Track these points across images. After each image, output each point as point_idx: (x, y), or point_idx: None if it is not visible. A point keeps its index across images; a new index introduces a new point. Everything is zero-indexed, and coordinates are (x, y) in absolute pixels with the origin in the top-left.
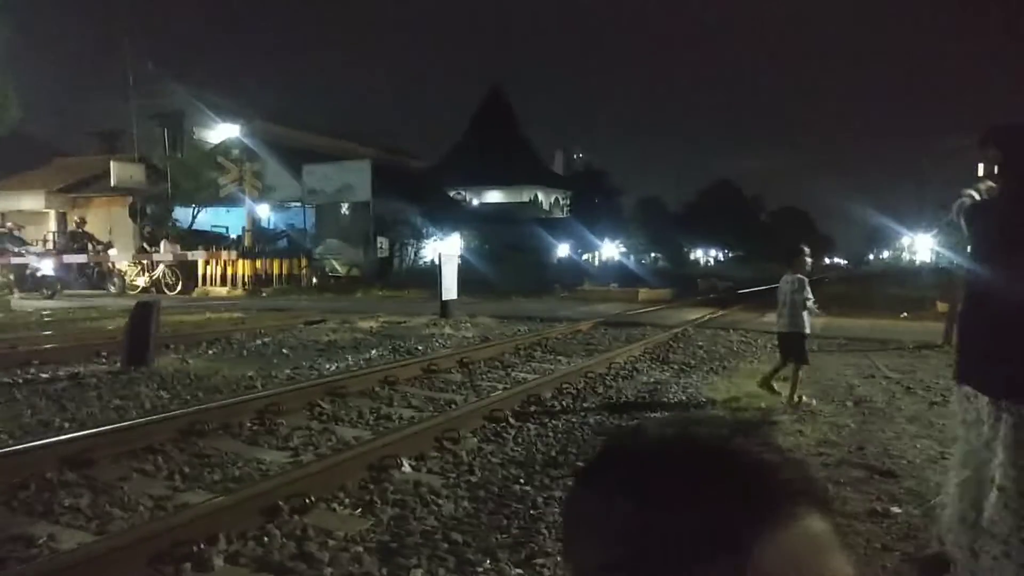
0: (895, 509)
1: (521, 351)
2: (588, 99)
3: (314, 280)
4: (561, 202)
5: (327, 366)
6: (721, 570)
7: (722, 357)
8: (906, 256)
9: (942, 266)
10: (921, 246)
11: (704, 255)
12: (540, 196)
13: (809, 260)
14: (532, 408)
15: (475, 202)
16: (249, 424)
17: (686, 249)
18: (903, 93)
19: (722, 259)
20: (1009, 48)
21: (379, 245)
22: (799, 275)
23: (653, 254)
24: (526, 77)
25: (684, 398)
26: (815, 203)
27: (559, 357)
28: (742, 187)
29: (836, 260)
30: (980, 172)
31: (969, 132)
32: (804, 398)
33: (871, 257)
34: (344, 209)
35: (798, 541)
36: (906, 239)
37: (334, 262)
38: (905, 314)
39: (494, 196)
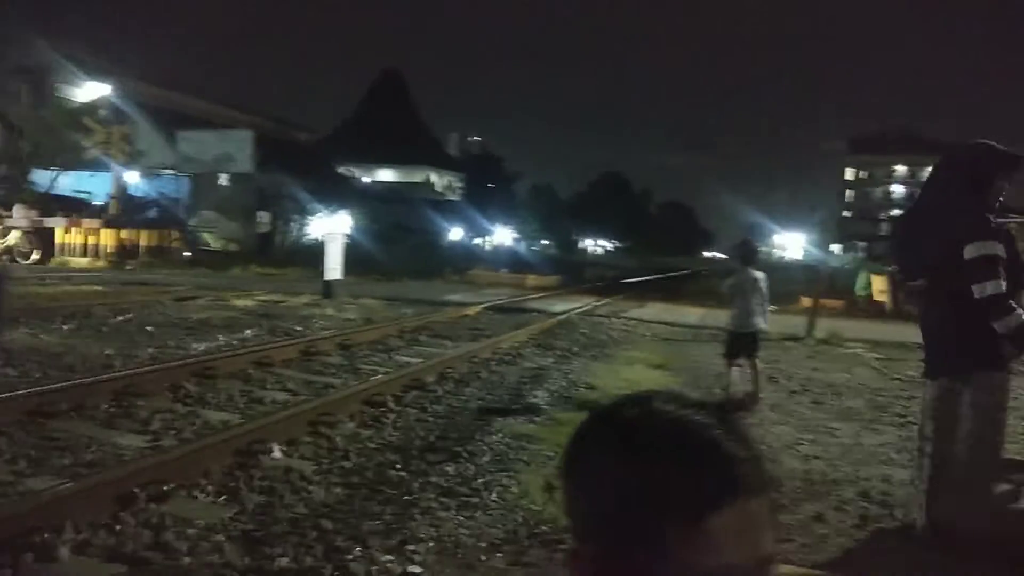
0: None
1: (406, 334)
2: (485, 83)
3: (187, 254)
4: (454, 185)
5: (195, 346)
6: (680, 527)
7: (603, 344)
8: (777, 253)
9: (809, 263)
10: (792, 244)
11: (593, 244)
12: (433, 177)
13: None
14: (414, 393)
15: (365, 180)
16: (105, 406)
17: (576, 238)
18: (783, 98)
19: (610, 249)
20: (879, 59)
21: (260, 220)
22: (758, 272)
23: (544, 241)
24: (423, 57)
25: (565, 384)
26: (699, 198)
27: (444, 341)
28: (632, 180)
29: (715, 254)
30: (847, 176)
31: (838, 138)
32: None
33: None
34: (223, 180)
35: (742, 513)
36: (778, 236)
37: (209, 236)
38: (774, 307)
39: (386, 175)
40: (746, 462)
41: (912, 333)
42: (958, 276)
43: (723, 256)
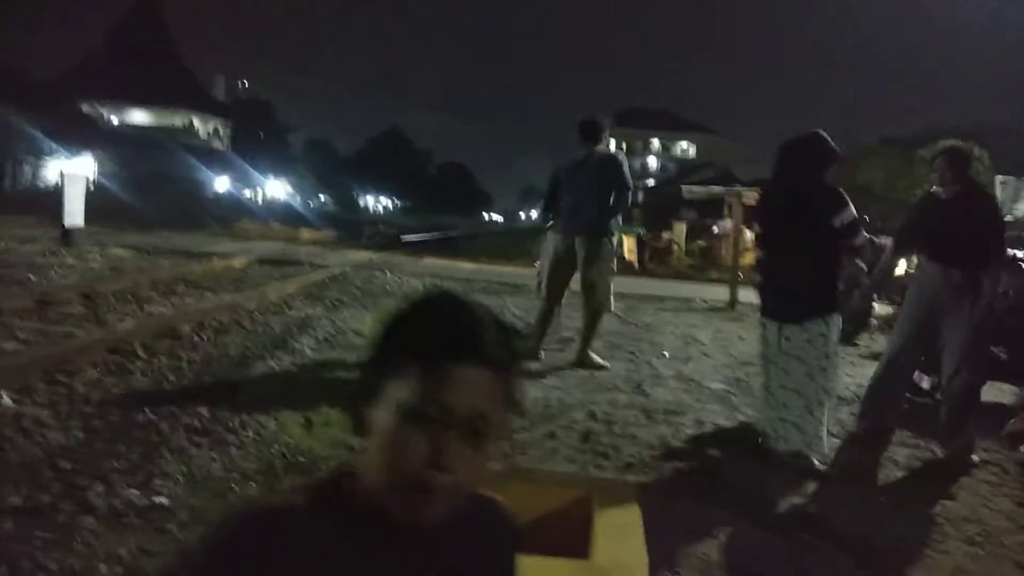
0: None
1: (160, 285)
2: (258, 23)
3: None
4: (221, 132)
5: None
6: (424, 365)
7: (376, 295)
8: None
9: None
10: None
11: (375, 202)
12: (196, 123)
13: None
14: (167, 341)
15: (116, 121)
16: None
17: (356, 194)
18: (558, 61)
19: (391, 207)
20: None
21: None
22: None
23: (322, 196)
24: None
25: (332, 331)
26: (477, 160)
27: (205, 292)
28: (413, 138)
29: (494, 216)
30: (611, 147)
31: (608, 112)
32: None
33: (523, 215)
34: None
35: (469, 370)
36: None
37: None
38: (538, 264)
39: (140, 117)
40: (482, 339)
41: (651, 286)
42: (826, 239)
43: (500, 219)
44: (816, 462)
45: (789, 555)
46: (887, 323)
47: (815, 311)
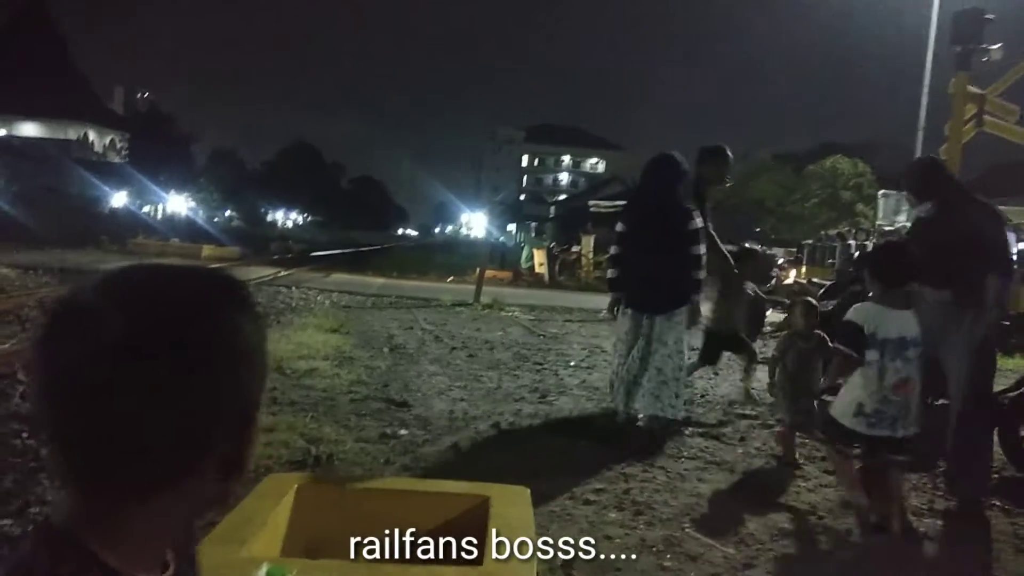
0: (402, 432)
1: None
2: (161, 31)
3: None
4: (119, 145)
5: None
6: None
7: (280, 312)
8: (464, 230)
9: (491, 240)
10: (477, 223)
11: (284, 217)
12: (92, 136)
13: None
14: None
15: (3, 132)
16: None
17: (264, 210)
18: (466, 81)
19: (302, 222)
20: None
21: None
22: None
23: (228, 212)
24: None
25: None
26: (391, 175)
27: None
28: (323, 151)
29: (408, 231)
30: (523, 163)
31: (516, 127)
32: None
33: (437, 230)
34: None
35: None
36: (465, 215)
37: None
38: (451, 278)
39: (31, 130)
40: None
41: (560, 298)
42: (685, 242)
43: (415, 234)
44: (670, 418)
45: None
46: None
47: (676, 302)
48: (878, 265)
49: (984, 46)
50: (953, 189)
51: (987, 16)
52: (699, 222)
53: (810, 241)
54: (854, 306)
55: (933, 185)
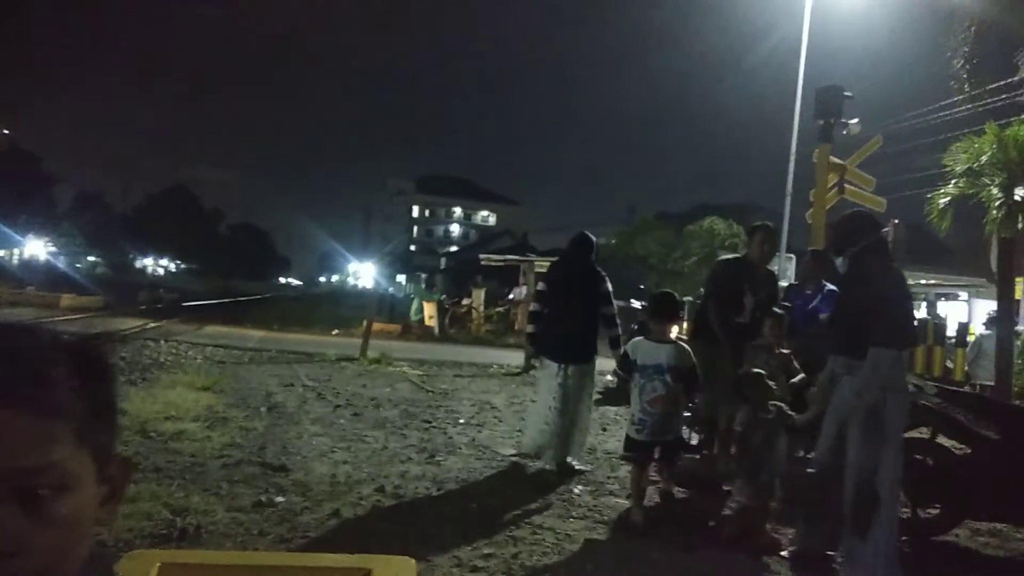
0: (279, 499)
1: None
2: (25, 63)
3: None
4: None
5: None
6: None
7: (145, 368)
8: (351, 280)
9: (380, 291)
10: (365, 272)
11: (154, 264)
12: None
13: None
14: None
15: None
16: None
17: (133, 256)
18: (355, 130)
19: (175, 270)
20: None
21: None
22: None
23: (92, 258)
24: None
25: None
26: (274, 223)
27: None
28: (200, 196)
29: (291, 280)
30: (414, 213)
31: (407, 178)
32: None
33: (322, 280)
34: None
35: (27, 420)
36: (353, 265)
37: None
38: (337, 331)
39: None
40: (18, 375)
41: (451, 352)
42: (594, 305)
43: (298, 283)
44: (578, 467)
45: None
46: None
47: (590, 355)
48: (648, 307)
49: (844, 120)
50: (864, 249)
51: (846, 93)
52: (609, 286)
53: (690, 298)
54: (631, 340)
55: (845, 243)
